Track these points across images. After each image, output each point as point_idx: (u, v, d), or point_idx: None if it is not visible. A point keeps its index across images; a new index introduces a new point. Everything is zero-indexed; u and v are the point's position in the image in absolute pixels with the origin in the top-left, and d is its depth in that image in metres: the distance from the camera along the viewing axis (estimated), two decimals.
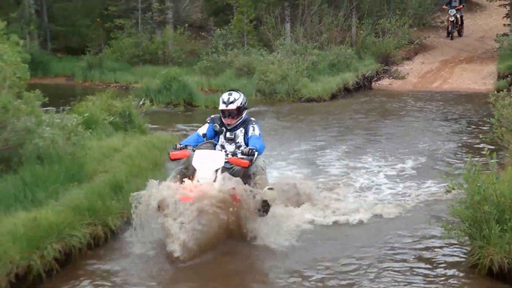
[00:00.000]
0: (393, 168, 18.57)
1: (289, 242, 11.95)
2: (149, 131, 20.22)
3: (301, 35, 41.24)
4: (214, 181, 10.07)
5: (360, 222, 13.49)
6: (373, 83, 38.72)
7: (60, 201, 11.45)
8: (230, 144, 11.63)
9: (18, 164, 12.56)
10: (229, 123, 11.68)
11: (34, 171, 12.24)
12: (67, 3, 52.63)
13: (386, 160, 19.60)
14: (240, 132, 11.71)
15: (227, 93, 11.75)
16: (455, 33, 49.06)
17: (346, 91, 35.04)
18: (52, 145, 13.39)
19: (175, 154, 10.82)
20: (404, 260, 11.36)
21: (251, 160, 10.58)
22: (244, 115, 11.78)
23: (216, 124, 11.67)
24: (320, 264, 11.05)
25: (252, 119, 11.91)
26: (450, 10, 47.60)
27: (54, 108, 15.61)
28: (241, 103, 11.57)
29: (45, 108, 14.17)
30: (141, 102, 25.94)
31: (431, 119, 27.37)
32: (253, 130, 11.40)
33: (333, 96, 32.90)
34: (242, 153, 10.74)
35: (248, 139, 11.63)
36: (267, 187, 10.79)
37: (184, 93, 30.59)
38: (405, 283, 10.36)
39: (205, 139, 11.49)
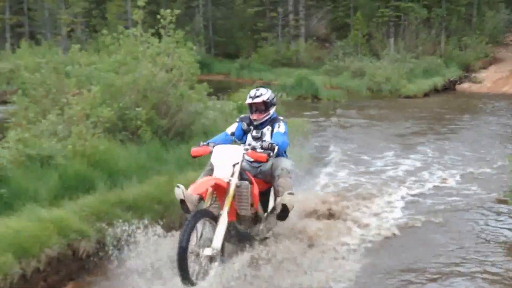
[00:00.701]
0: (461, 169, 14.98)
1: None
2: (285, 116, 20.25)
3: (402, 47, 41.56)
4: (232, 176, 7.69)
5: (440, 223, 10.66)
6: (456, 86, 39.26)
7: None
8: (257, 142, 8.70)
9: (189, 137, 12.68)
10: (256, 118, 8.84)
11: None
12: (226, 20, 53.74)
13: (455, 160, 16.23)
14: (267, 130, 8.93)
15: (255, 88, 9.22)
16: None
17: (436, 91, 35.59)
18: (214, 124, 13.63)
19: (196, 150, 8.36)
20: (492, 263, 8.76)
21: (269, 155, 8.03)
22: (272, 112, 9.00)
23: (244, 122, 9.02)
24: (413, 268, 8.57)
25: (281, 117, 9.10)
26: None
27: (215, 96, 16.01)
28: (267, 98, 8.83)
29: (210, 97, 14.41)
30: (278, 95, 26.43)
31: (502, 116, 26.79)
32: (278, 127, 8.76)
33: (425, 95, 33.26)
34: (262, 148, 8.09)
35: (272, 136, 8.88)
36: (287, 191, 8.28)
37: (311, 89, 31.01)
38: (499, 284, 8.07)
39: (233, 137, 8.95)
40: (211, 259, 7.30)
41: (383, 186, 13.16)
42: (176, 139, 12.40)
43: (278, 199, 8.31)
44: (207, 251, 7.21)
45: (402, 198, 12.35)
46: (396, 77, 33.94)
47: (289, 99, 29.03)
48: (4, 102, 21.64)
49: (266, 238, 8.79)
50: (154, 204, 9.34)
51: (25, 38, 46.21)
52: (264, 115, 8.91)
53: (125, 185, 9.56)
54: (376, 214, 11.18)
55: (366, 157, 16.43)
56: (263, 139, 8.82)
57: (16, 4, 58.51)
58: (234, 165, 7.78)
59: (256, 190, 8.10)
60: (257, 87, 9.39)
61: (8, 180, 8.42)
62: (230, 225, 7.71)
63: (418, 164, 15.57)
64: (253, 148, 8.11)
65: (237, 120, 9.24)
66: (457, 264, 8.72)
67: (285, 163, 8.67)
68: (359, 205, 11.60)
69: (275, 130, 8.74)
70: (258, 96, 8.82)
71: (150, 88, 12.40)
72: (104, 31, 13.79)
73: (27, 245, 6.97)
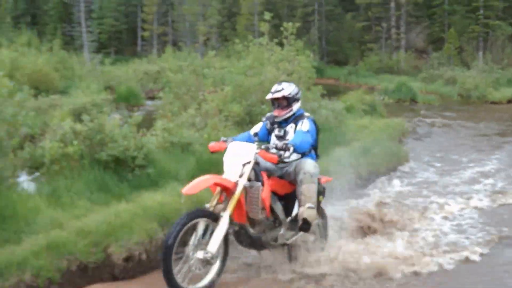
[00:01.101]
0: None
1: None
2: (386, 116, 20.01)
3: (489, 60, 40.28)
4: (241, 176, 6.13)
5: None
6: None
7: (329, 156, 11.19)
8: (280, 141, 6.86)
9: None
10: (277, 114, 6.97)
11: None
12: (337, 33, 53.65)
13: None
14: (290, 128, 7.00)
15: (277, 83, 7.27)
16: None
17: None
18: (326, 121, 13.39)
19: (213, 146, 6.87)
20: None
21: (280, 156, 6.36)
22: (295, 108, 6.99)
23: (268, 121, 7.18)
24: None
25: (307, 114, 7.06)
26: None
27: (327, 97, 15.85)
28: (289, 93, 6.89)
29: (322, 97, 14.34)
30: (381, 98, 26.06)
31: None
32: (302, 124, 6.84)
33: (509, 101, 31.58)
34: (276, 148, 6.35)
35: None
36: (308, 204, 6.56)
37: (410, 93, 30.43)
38: None
39: (256, 138, 7.19)
40: (206, 263, 5.87)
41: (466, 186, 11.47)
42: None
43: (300, 210, 6.67)
44: (199, 254, 5.77)
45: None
46: (483, 85, 32.61)
47: (390, 102, 28.57)
48: (152, 98, 22.34)
49: (285, 244, 6.87)
50: None
51: (169, 45, 47.39)
52: (286, 111, 6.99)
53: None
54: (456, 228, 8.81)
55: (454, 156, 14.98)
56: (286, 137, 6.97)
57: (162, 17, 60.18)
58: (244, 165, 6.22)
59: (266, 193, 6.36)
60: (280, 81, 7.39)
61: (155, 162, 8.61)
62: (241, 228, 6.32)
63: (499, 164, 13.81)
64: (266, 148, 6.40)
65: (262, 119, 7.38)
66: None
67: (308, 166, 6.75)
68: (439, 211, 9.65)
69: (298, 128, 6.89)
70: (278, 91, 6.93)
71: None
72: (236, 40, 14.09)
73: (169, 216, 7.11)
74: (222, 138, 6.88)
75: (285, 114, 6.94)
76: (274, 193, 6.59)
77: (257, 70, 12.82)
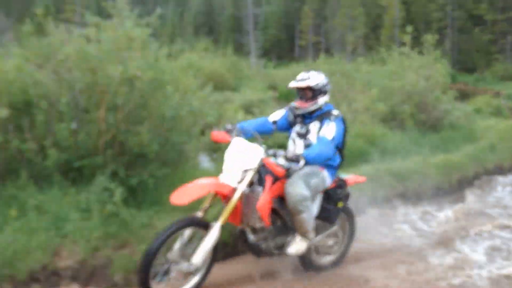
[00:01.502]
0: None
1: None
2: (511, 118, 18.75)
3: None
4: (240, 182, 4.56)
5: None
6: None
7: (460, 151, 10.94)
8: (301, 139, 5.12)
9: (440, 129, 12.06)
10: (299, 106, 5.04)
11: (449, 134, 11.88)
12: (467, 44, 51.06)
13: None
14: (313, 127, 5.04)
15: (304, 71, 5.24)
16: None
17: None
18: (458, 120, 12.81)
19: (216, 135, 4.99)
20: None
21: (287, 170, 4.80)
22: (321, 102, 5.04)
23: (291, 113, 5.25)
24: None
25: (335, 112, 5.02)
26: None
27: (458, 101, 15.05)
28: (316, 83, 4.98)
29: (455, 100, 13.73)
30: (506, 102, 24.32)
31: None
32: (327, 127, 4.90)
33: None
34: (286, 158, 4.55)
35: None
36: (298, 238, 4.91)
37: None
38: None
39: (274, 126, 5.30)
40: (188, 275, 4.57)
41: None
42: (430, 130, 11.83)
43: (290, 243, 4.99)
44: (182, 266, 4.39)
45: None
46: None
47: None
48: None
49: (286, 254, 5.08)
50: (413, 173, 8.84)
51: (322, 52, 47.25)
52: (309, 104, 5.04)
53: (392, 159, 9.25)
54: None
55: None
56: (307, 136, 5.09)
57: (317, 28, 60.31)
58: (245, 171, 4.59)
59: (263, 202, 4.61)
60: (309, 70, 5.30)
61: None
62: (241, 233, 4.88)
63: None
64: (274, 155, 4.65)
65: (286, 107, 5.39)
66: None
67: (295, 193, 4.69)
68: None
69: (322, 130, 4.92)
70: (304, 80, 5.02)
71: (413, 92, 12.05)
72: (381, 49, 13.79)
73: None
74: (227, 126, 5.00)
75: (308, 107, 5.06)
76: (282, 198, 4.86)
77: (400, 75, 12.47)
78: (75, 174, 5.48)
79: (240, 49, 46.89)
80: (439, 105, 12.31)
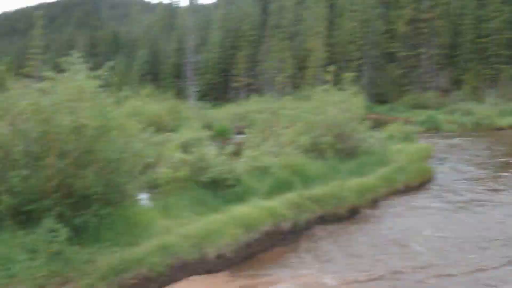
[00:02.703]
0: None
1: None
2: (418, 142, 19.40)
3: (498, 95, 38.85)
4: None
5: None
6: None
7: (374, 174, 11.27)
8: None
9: (356, 156, 12.22)
10: None
11: (364, 159, 12.17)
12: (381, 79, 52.40)
13: None
14: None
15: None
16: None
17: None
18: (372, 146, 13.10)
19: None
20: None
21: None
22: None
23: None
24: None
25: None
26: None
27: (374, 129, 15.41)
28: None
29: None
30: (414, 127, 25.08)
31: None
32: None
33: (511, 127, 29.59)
34: None
35: None
36: None
37: (436, 123, 29.50)
38: None
39: None
40: None
41: None
42: (348, 157, 12.06)
43: None
44: None
45: None
46: (492, 115, 31.29)
47: (421, 130, 27.42)
48: (240, 133, 22.42)
49: None
50: (332, 198, 9.18)
51: (254, 93, 47.97)
52: None
53: (313, 186, 9.47)
54: None
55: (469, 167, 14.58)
56: None
57: (250, 71, 61.16)
58: None
59: None
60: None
61: (241, 182, 8.63)
62: None
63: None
64: None
65: None
66: None
67: None
68: None
69: None
70: None
71: (333, 124, 12.22)
72: (307, 86, 14.09)
73: (252, 223, 7.09)
74: None
75: None
76: None
77: (322, 109, 12.63)
78: (24, 217, 5.43)
79: (180, 93, 47.05)
80: (356, 135, 12.60)
